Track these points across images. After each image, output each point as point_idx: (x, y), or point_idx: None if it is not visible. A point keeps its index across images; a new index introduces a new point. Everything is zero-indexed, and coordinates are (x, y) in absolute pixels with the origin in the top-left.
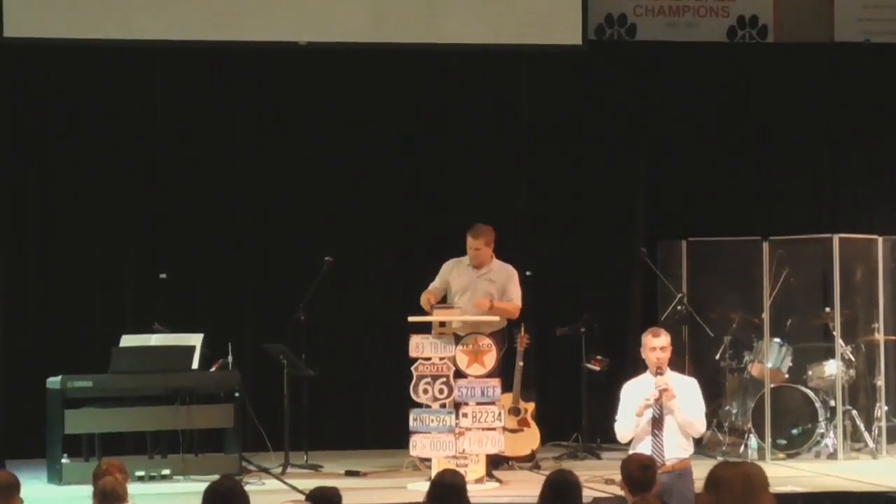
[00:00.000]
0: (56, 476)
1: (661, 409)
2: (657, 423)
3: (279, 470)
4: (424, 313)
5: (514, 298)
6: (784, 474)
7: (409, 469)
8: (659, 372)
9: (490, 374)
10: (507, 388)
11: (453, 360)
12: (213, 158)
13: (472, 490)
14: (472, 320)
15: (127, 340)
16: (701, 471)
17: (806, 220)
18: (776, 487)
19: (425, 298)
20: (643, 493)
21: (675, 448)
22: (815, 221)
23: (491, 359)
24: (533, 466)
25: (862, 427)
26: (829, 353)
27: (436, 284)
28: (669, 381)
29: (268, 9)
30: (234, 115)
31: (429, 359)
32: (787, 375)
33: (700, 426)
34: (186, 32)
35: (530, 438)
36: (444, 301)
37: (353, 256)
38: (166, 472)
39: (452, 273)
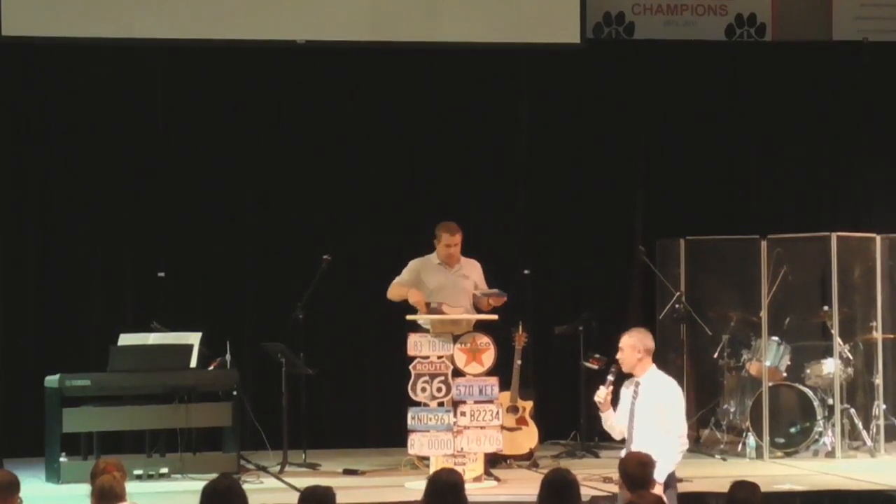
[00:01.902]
0: (54, 475)
1: (632, 413)
2: (630, 426)
3: (277, 469)
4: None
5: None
6: (782, 473)
7: (407, 468)
8: (614, 370)
9: (489, 372)
10: (505, 386)
11: (451, 358)
12: (212, 156)
13: (471, 488)
14: (477, 319)
15: (125, 339)
16: (699, 469)
17: (804, 219)
18: (774, 486)
19: (418, 297)
20: (641, 492)
21: (649, 446)
22: (813, 220)
23: (489, 357)
24: (531, 465)
25: (860, 425)
26: (828, 352)
27: (405, 278)
28: (602, 396)
29: (266, 7)
30: (234, 113)
31: (427, 357)
32: (785, 374)
33: (672, 445)
34: (184, 31)
35: (528, 437)
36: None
37: (352, 255)
38: (164, 470)
39: (424, 272)
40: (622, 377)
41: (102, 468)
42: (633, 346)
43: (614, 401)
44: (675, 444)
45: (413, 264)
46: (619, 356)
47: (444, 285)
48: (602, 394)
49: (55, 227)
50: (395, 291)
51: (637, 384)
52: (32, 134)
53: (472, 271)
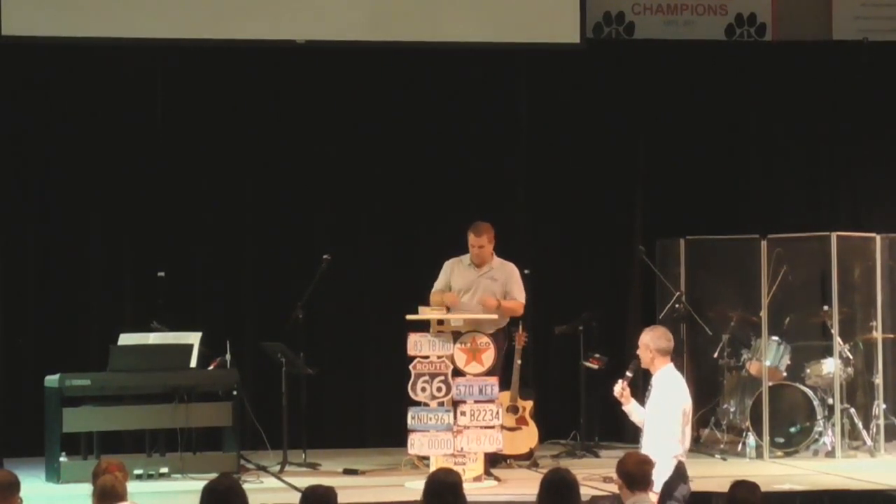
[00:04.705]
0: (54, 474)
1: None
2: (645, 424)
3: (277, 468)
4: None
5: (518, 296)
6: (782, 472)
7: (407, 467)
8: (633, 366)
9: (489, 372)
10: (505, 386)
11: (451, 358)
12: (212, 156)
13: (471, 488)
14: (474, 318)
15: (125, 339)
16: (699, 469)
17: (804, 219)
18: (774, 486)
19: (447, 299)
20: (640, 492)
21: (648, 447)
22: (813, 220)
23: (489, 357)
24: (531, 465)
25: (860, 425)
26: (828, 352)
27: (440, 285)
28: (621, 389)
29: (266, 7)
30: (234, 113)
31: (427, 357)
32: (785, 374)
33: (668, 449)
34: (184, 31)
35: (528, 437)
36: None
37: (352, 255)
38: (165, 470)
39: (454, 273)
40: (641, 372)
41: (104, 468)
42: (646, 345)
43: (611, 400)
44: (670, 448)
45: (445, 266)
46: (638, 353)
47: (469, 286)
48: (618, 388)
49: (55, 226)
50: (433, 300)
51: (651, 383)
52: (32, 134)
53: (501, 274)
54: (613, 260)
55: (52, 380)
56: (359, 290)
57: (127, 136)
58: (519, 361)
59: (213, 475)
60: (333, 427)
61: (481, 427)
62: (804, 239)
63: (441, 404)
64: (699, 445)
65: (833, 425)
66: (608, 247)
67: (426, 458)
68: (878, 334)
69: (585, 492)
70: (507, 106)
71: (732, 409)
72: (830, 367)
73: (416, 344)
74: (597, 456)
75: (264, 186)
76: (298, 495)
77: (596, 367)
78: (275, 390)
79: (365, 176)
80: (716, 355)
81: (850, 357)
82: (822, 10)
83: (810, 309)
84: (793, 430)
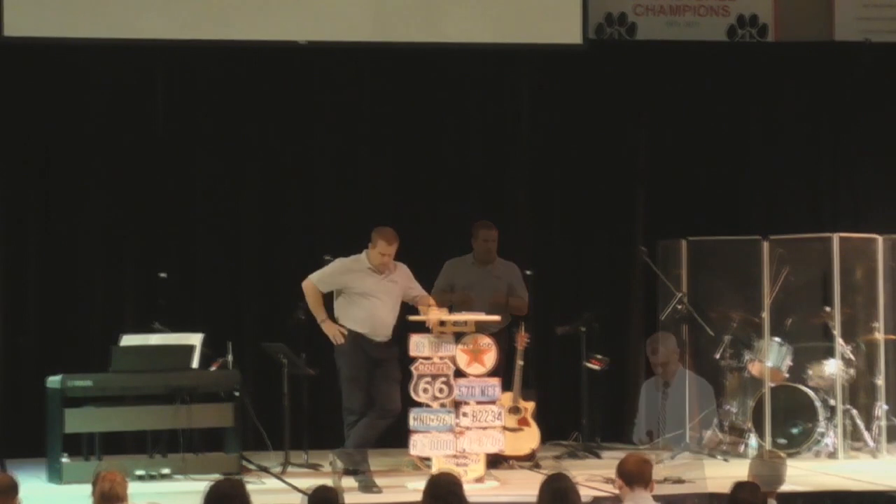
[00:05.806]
0: (56, 475)
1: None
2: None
3: (279, 469)
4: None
5: (524, 294)
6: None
7: (408, 468)
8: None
9: (491, 373)
10: (506, 387)
11: (453, 359)
12: (213, 157)
13: (472, 489)
14: (475, 319)
15: (127, 340)
16: (699, 470)
17: (806, 220)
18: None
19: (456, 298)
20: (640, 489)
21: None
22: (814, 220)
23: (491, 358)
24: (533, 466)
25: (862, 426)
26: (829, 353)
27: (441, 285)
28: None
29: (268, 8)
30: (234, 113)
31: (429, 358)
32: (786, 374)
33: None
34: (186, 32)
35: (530, 437)
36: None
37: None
38: (166, 471)
39: (456, 272)
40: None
41: (103, 476)
42: (674, 350)
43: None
44: None
45: (446, 266)
46: (663, 363)
47: (474, 283)
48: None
49: (56, 226)
50: (435, 300)
51: (670, 385)
52: (33, 134)
53: (505, 273)
54: (615, 260)
55: (53, 380)
56: None
57: (128, 136)
58: (520, 362)
59: (215, 476)
60: (335, 428)
61: (483, 428)
62: (806, 240)
63: (443, 405)
64: (701, 446)
65: (835, 426)
66: (610, 247)
67: (428, 458)
68: (879, 335)
69: (587, 493)
70: (508, 106)
71: (734, 410)
72: (832, 367)
73: (418, 345)
74: (598, 457)
75: (264, 186)
76: (300, 496)
77: (597, 367)
78: (276, 391)
79: (365, 176)
80: (717, 356)
81: (852, 358)
82: (823, 11)
83: (812, 310)
84: (794, 430)
